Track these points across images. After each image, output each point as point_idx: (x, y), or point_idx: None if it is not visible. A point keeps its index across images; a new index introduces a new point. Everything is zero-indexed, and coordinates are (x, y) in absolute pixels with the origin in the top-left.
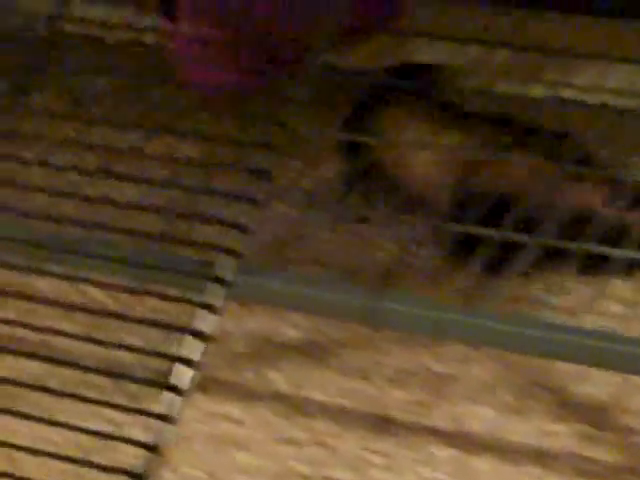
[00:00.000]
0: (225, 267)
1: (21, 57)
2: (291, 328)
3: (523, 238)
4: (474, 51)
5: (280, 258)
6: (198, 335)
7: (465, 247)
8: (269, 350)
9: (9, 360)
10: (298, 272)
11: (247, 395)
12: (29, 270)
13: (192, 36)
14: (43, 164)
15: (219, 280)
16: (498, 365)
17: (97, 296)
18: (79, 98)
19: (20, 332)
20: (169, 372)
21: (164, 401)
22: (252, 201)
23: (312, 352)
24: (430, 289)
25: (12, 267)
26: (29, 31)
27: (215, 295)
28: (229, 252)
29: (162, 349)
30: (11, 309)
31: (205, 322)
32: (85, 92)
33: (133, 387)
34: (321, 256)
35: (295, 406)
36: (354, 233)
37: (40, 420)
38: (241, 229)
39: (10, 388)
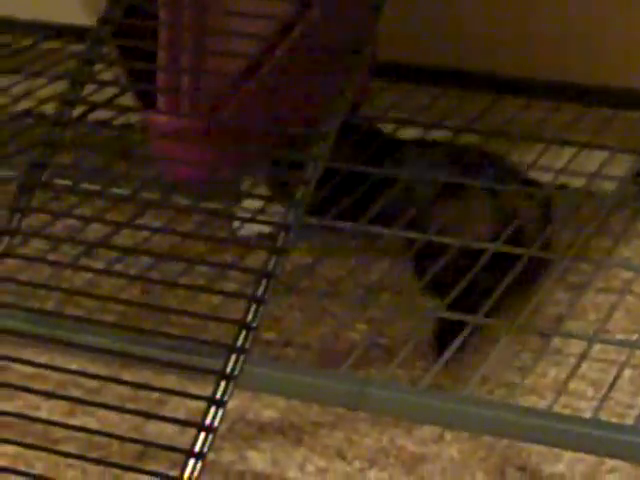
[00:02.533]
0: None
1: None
2: (267, 408)
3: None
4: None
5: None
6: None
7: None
8: (247, 430)
9: None
10: (273, 355)
11: (229, 476)
12: (8, 358)
13: (170, 131)
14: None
15: (225, 376)
16: (472, 445)
17: (78, 378)
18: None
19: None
20: (148, 451)
21: None
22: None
23: (289, 432)
24: (402, 370)
25: None
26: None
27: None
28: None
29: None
30: None
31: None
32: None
33: (117, 472)
34: (293, 337)
35: None
36: (325, 312)
37: None
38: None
39: None
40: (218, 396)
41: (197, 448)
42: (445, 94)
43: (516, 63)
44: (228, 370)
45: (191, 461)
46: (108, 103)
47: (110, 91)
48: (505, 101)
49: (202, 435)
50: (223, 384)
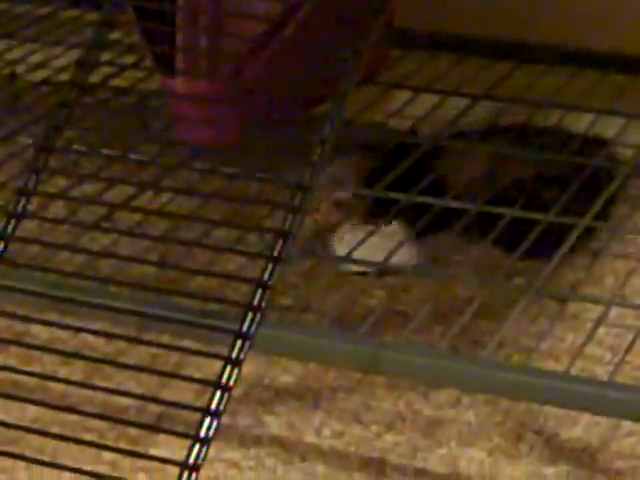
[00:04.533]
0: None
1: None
2: (284, 373)
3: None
4: (460, 103)
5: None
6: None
7: None
8: (264, 395)
9: (9, 405)
10: (291, 319)
11: (245, 440)
12: (28, 319)
13: (189, 94)
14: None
15: (241, 334)
16: (489, 409)
17: (95, 343)
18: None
19: (20, 377)
20: (164, 417)
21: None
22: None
23: (305, 396)
24: (418, 336)
25: (12, 315)
26: None
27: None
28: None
29: (159, 392)
30: (12, 356)
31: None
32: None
33: (133, 431)
34: (311, 303)
35: (292, 450)
36: (342, 280)
37: (43, 463)
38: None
39: (11, 432)
40: (234, 355)
41: (213, 406)
42: (462, 61)
43: (535, 30)
44: (244, 329)
45: (207, 419)
46: (128, 67)
47: (129, 59)
48: (523, 68)
49: (218, 394)
50: (239, 343)
